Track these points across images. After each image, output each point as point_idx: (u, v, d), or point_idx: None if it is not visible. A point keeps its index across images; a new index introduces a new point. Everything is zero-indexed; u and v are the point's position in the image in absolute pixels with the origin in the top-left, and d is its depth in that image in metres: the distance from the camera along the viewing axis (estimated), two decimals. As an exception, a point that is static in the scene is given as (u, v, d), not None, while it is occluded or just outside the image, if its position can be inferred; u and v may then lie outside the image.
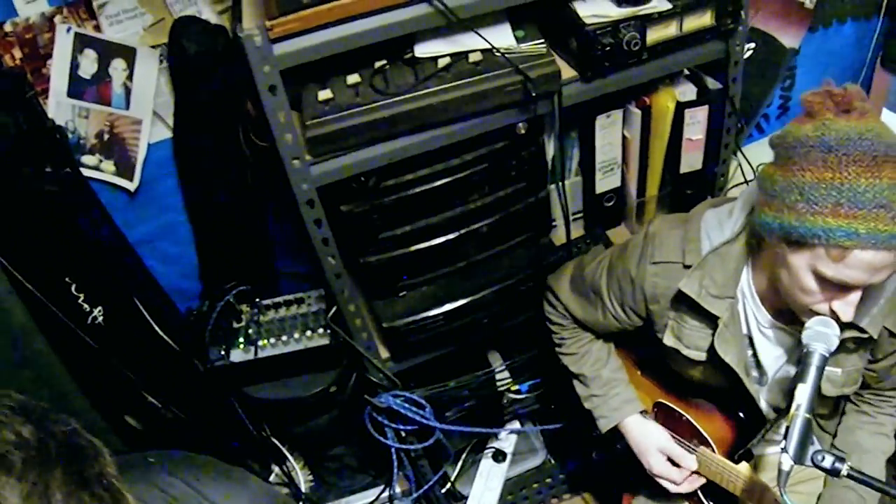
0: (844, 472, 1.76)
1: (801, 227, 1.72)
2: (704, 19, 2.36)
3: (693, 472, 2.48)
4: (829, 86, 1.76)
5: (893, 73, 3.50)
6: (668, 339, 2.27)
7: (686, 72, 2.70)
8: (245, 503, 1.70)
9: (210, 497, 1.64)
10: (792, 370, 2.23)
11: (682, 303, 2.18)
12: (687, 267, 2.13)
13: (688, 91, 2.64)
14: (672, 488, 2.48)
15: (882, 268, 1.71)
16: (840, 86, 1.75)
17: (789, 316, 2.00)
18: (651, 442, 2.49)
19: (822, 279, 1.77)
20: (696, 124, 2.67)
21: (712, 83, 2.66)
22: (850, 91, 1.74)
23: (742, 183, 2.97)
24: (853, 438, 2.37)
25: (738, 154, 2.93)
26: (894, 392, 2.34)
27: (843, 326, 1.88)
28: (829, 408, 2.39)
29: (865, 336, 2.02)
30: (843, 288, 1.78)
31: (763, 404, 2.30)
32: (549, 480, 3.66)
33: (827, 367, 1.91)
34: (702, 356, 2.23)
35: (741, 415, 2.37)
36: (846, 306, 1.80)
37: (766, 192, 1.85)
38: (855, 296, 1.79)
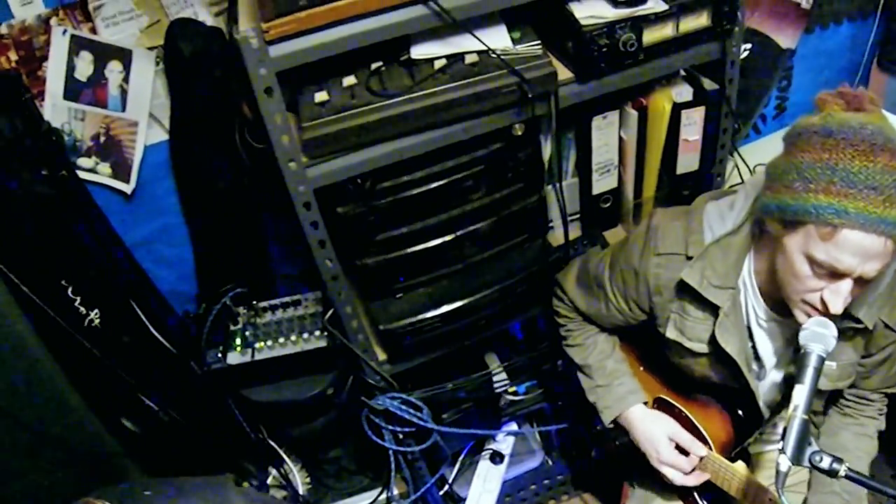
0: (842, 473, 1.77)
1: (794, 205, 1.77)
2: (701, 20, 2.37)
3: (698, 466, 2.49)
4: (843, 87, 1.81)
5: (890, 74, 3.50)
6: (671, 332, 2.29)
7: (682, 73, 2.70)
8: None
9: None
10: (789, 366, 2.25)
11: (685, 293, 2.20)
12: (689, 258, 2.16)
13: (684, 92, 2.64)
14: (679, 479, 2.47)
15: (872, 256, 1.74)
16: (854, 88, 1.80)
17: (787, 309, 2.01)
18: (658, 430, 2.49)
19: (814, 264, 1.80)
20: (693, 125, 2.67)
21: (709, 84, 2.65)
22: (862, 93, 1.79)
23: (739, 183, 2.97)
24: (837, 440, 2.39)
25: (735, 155, 2.94)
26: (876, 395, 2.37)
27: (841, 317, 1.89)
28: (822, 403, 2.41)
29: (861, 326, 2.05)
30: (833, 276, 1.80)
31: (761, 402, 2.31)
32: (546, 482, 3.67)
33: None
34: (703, 348, 2.26)
35: (740, 413, 2.38)
36: (836, 297, 1.82)
37: (769, 178, 1.90)
38: (845, 285, 1.80)
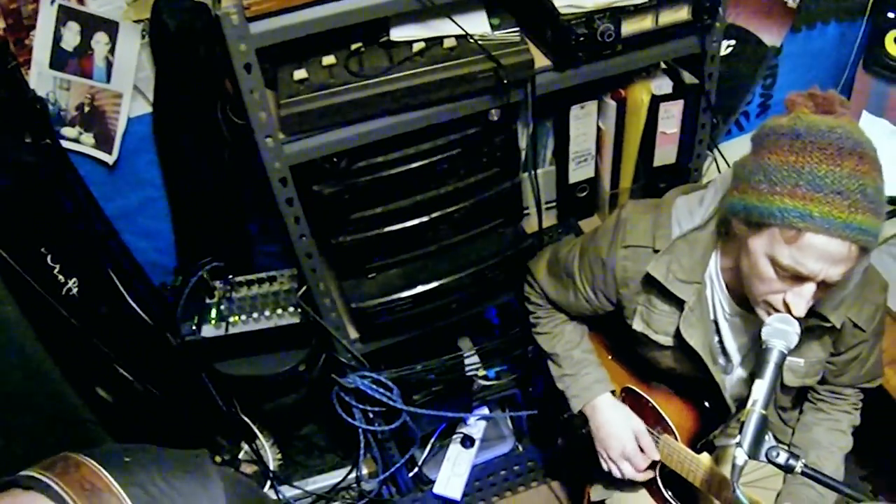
0: (798, 469, 1.78)
1: (760, 207, 1.77)
2: (681, 13, 2.38)
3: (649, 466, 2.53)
4: (814, 89, 1.82)
5: (875, 76, 3.51)
6: (638, 324, 2.32)
7: (663, 65, 2.72)
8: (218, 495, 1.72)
9: (185, 493, 1.66)
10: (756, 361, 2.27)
11: (651, 287, 2.22)
12: (656, 251, 2.17)
13: (664, 85, 2.66)
14: (630, 474, 2.51)
15: (836, 260, 1.74)
16: (824, 90, 1.81)
17: None
18: (626, 422, 2.52)
19: (777, 267, 1.80)
20: (671, 118, 2.69)
21: (689, 78, 2.67)
22: (832, 96, 1.79)
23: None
24: (810, 435, 2.41)
25: (715, 150, 2.95)
26: (850, 390, 2.39)
27: (808, 315, 1.90)
28: (790, 399, 2.43)
29: (829, 325, 2.07)
30: (797, 279, 1.80)
31: (727, 395, 2.33)
32: (516, 468, 3.69)
33: (790, 357, 1.94)
34: (669, 341, 2.28)
35: (706, 404, 2.41)
36: (799, 299, 1.83)
37: (736, 178, 1.91)
38: (808, 289, 1.81)
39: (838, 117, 1.76)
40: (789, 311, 1.86)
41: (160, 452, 1.74)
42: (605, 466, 2.57)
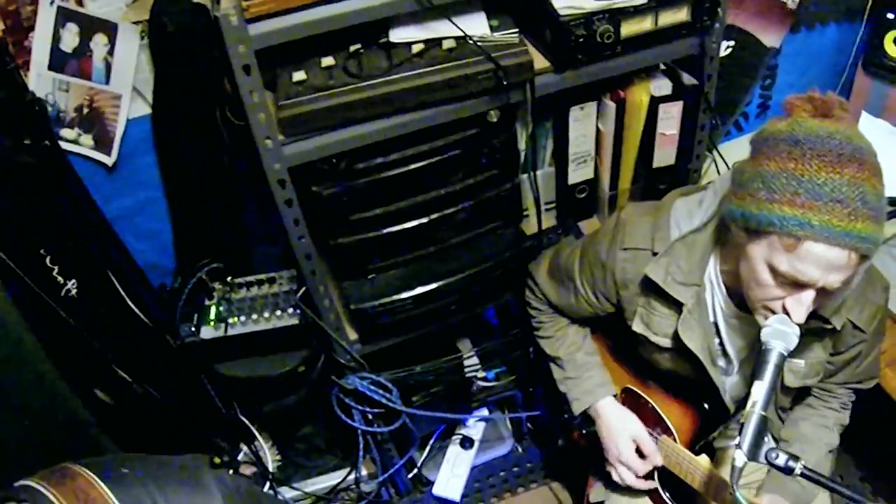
0: (798, 471, 1.77)
1: (759, 215, 1.75)
2: (680, 15, 2.38)
3: (649, 475, 2.53)
4: (812, 92, 1.80)
5: (874, 77, 3.51)
6: (637, 326, 2.32)
7: (662, 66, 2.72)
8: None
9: None
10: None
11: (650, 289, 2.22)
12: (655, 254, 2.17)
13: (663, 86, 2.65)
14: (629, 480, 2.51)
15: (835, 268, 1.73)
16: (823, 93, 1.80)
17: None
18: (625, 427, 2.53)
19: (776, 274, 1.79)
20: (670, 119, 2.68)
21: (688, 79, 2.67)
22: (831, 99, 1.78)
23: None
24: (797, 429, 2.43)
25: (714, 151, 2.95)
26: (842, 389, 2.40)
27: (809, 317, 1.89)
28: (790, 400, 2.44)
29: (829, 327, 2.06)
30: (796, 286, 1.80)
31: (727, 397, 2.33)
32: (516, 469, 3.69)
33: (791, 358, 1.94)
34: (668, 343, 2.28)
35: (706, 406, 2.40)
36: (798, 306, 1.82)
37: (734, 183, 1.89)
38: (808, 296, 1.80)
39: (837, 121, 1.74)
40: (789, 317, 1.86)
41: (159, 463, 1.75)
42: (608, 468, 2.58)
